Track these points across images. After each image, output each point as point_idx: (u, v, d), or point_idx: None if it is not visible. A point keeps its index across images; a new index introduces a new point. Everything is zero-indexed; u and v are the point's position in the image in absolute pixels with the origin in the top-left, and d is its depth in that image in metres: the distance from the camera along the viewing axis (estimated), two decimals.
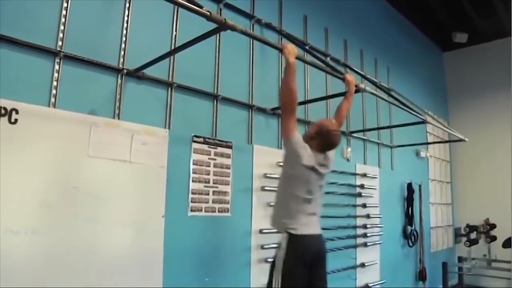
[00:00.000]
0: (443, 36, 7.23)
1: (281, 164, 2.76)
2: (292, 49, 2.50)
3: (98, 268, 2.48)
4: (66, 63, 2.43)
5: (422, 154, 6.40)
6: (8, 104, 2.18)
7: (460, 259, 6.76)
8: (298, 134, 2.53)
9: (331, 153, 2.73)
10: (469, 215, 7.00)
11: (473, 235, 6.55)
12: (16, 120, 2.20)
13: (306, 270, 2.44)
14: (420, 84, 6.83)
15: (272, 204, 2.82)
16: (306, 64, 3.76)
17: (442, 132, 6.67)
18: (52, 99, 2.36)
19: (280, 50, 2.51)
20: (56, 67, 2.39)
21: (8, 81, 2.20)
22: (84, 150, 2.47)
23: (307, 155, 2.50)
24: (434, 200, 6.85)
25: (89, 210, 2.46)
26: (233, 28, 2.01)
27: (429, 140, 6.68)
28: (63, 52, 2.41)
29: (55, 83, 2.37)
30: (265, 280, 3.36)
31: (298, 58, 2.59)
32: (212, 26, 2.07)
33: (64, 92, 2.41)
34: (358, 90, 3.15)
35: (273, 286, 2.38)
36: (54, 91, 2.37)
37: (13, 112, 2.19)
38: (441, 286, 6.35)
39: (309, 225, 2.50)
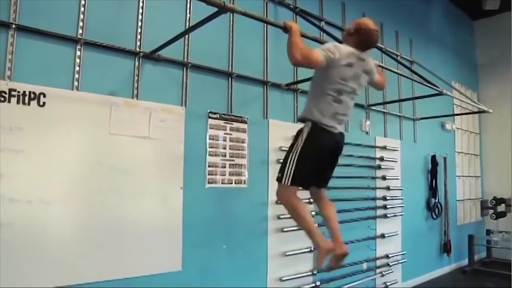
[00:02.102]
0: (473, 4, 6.98)
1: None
2: (293, 23, 2.53)
3: (121, 235, 2.75)
4: (86, 49, 2.67)
5: (448, 126, 6.33)
6: (37, 89, 2.44)
7: (489, 232, 6.70)
8: (320, 50, 2.43)
9: (372, 60, 2.72)
10: (499, 188, 6.88)
11: (500, 208, 6.46)
12: (44, 103, 2.46)
13: (320, 158, 2.54)
14: (448, 55, 6.68)
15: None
16: (321, 38, 3.82)
17: (471, 104, 6.55)
18: (75, 83, 2.60)
19: (283, 28, 2.53)
20: (78, 53, 2.62)
21: (35, 68, 2.46)
22: (106, 128, 2.71)
23: (344, 53, 2.46)
24: (461, 173, 6.78)
25: (112, 183, 2.72)
26: (232, 11, 2.14)
27: (457, 112, 6.58)
28: (83, 39, 2.64)
29: (77, 68, 2.61)
30: (281, 248, 3.62)
31: (303, 35, 2.65)
32: None
33: (86, 76, 2.65)
34: None
35: (287, 168, 2.46)
36: (76, 75, 2.61)
37: (41, 96, 2.46)
38: (467, 259, 6.35)
39: (334, 121, 2.52)
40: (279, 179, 2.52)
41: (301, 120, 2.61)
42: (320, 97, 2.52)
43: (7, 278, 2.27)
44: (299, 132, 2.55)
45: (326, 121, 2.49)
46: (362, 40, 2.58)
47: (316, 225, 2.57)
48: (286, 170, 2.47)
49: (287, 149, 2.60)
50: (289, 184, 2.45)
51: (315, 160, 2.52)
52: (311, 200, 2.93)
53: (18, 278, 2.33)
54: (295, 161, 2.45)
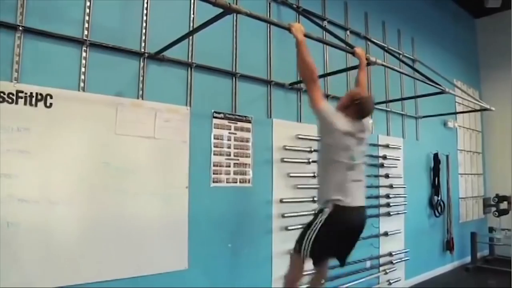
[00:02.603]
0: (475, 2, 6.99)
1: (319, 138, 2.83)
2: (299, 27, 2.61)
3: (128, 235, 2.77)
4: (92, 50, 2.69)
5: (450, 124, 6.34)
6: (44, 90, 2.47)
7: (491, 230, 6.71)
8: (326, 102, 2.61)
9: (367, 121, 2.81)
10: (501, 185, 6.87)
11: (503, 205, 6.48)
12: (51, 104, 2.49)
13: (340, 238, 2.60)
14: (449, 54, 6.69)
15: (316, 176, 2.95)
16: (324, 37, 3.85)
17: (473, 102, 6.56)
18: (82, 84, 2.63)
19: (288, 30, 2.61)
20: (84, 54, 2.65)
21: (42, 70, 2.49)
22: (112, 128, 2.73)
23: (342, 121, 2.57)
24: (463, 171, 6.80)
25: (119, 182, 2.74)
26: (237, 11, 2.16)
27: (459, 110, 6.59)
28: (89, 40, 2.66)
29: (83, 69, 2.63)
30: (286, 246, 3.62)
31: (307, 36, 2.71)
32: None
33: (91, 76, 2.67)
34: (369, 62, 3.23)
35: (304, 243, 2.52)
36: (82, 76, 2.63)
37: (48, 97, 2.48)
38: (469, 256, 6.37)
39: (354, 194, 2.56)
40: (296, 251, 2.60)
41: (321, 204, 2.65)
42: (333, 168, 2.58)
43: (16, 277, 2.31)
44: (320, 211, 2.58)
45: (346, 199, 2.52)
46: (359, 110, 2.65)
47: None
48: (303, 244, 2.54)
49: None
50: (306, 257, 2.56)
51: (334, 239, 2.57)
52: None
53: (27, 277, 2.35)
54: (312, 238, 2.51)
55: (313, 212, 2.72)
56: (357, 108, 2.63)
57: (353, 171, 2.58)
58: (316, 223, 2.53)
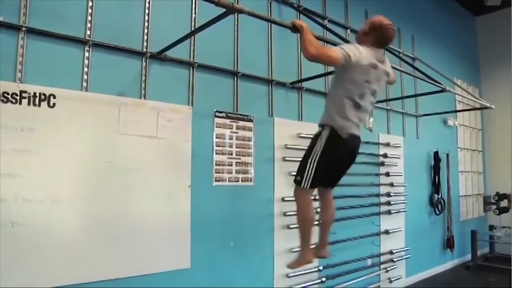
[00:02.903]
0: (475, 0, 6.99)
1: (334, 72, 2.70)
2: (301, 22, 2.55)
3: (131, 234, 2.79)
4: (95, 50, 2.70)
5: (450, 122, 6.35)
6: (47, 90, 2.49)
7: (492, 228, 6.73)
8: (338, 49, 2.43)
9: (388, 62, 2.70)
10: (502, 183, 6.90)
11: (503, 203, 6.50)
12: (54, 104, 2.50)
13: (337, 162, 2.59)
14: (449, 52, 6.70)
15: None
16: (324, 36, 3.86)
17: (473, 101, 6.58)
18: (84, 84, 2.64)
19: (290, 27, 2.55)
20: (86, 54, 2.66)
21: (45, 70, 2.51)
22: (115, 128, 2.75)
23: (363, 54, 2.43)
24: (463, 169, 6.82)
25: (121, 181, 2.76)
26: (240, 11, 2.17)
27: (459, 109, 6.60)
28: (91, 40, 2.67)
29: (86, 69, 2.65)
30: (287, 245, 3.65)
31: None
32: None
33: (94, 76, 2.68)
34: None
35: (306, 172, 2.48)
36: (85, 76, 2.65)
37: (51, 97, 2.50)
38: (470, 254, 6.39)
39: (351, 126, 2.51)
40: (298, 182, 2.53)
41: (322, 125, 2.58)
42: (341, 102, 2.49)
43: (21, 276, 2.33)
44: (317, 135, 2.54)
45: (346, 128, 2.49)
46: (380, 37, 2.53)
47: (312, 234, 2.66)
48: (305, 173, 2.49)
49: (303, 150, 2.61)
50: (308, 187, 2.49)
51: (333, 164, 2.56)
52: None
53: (32, 276, 2.37)
54: (314, 165, 2.48)
55: (310, 136, 2.64)
56: (378, 35, 2.53)
57: (360, 109, 2.51)
58: (316, 149, 2.49)
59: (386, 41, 2.59)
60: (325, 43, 3.74)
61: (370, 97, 2.55)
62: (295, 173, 2.57)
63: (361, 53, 2.43)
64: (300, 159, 2.60)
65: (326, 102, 2.67)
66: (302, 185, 2.49)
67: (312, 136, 2.61)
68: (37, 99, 2.45)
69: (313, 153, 2.50)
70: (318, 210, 2.86)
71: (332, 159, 2.51)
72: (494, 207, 6.52)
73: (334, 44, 3.25)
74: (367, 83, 2.49)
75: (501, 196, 6.49)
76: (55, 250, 2.47)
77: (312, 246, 2.76)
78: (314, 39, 2.38)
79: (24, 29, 2.41)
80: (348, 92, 2.48)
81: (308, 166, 2.49)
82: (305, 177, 2.49)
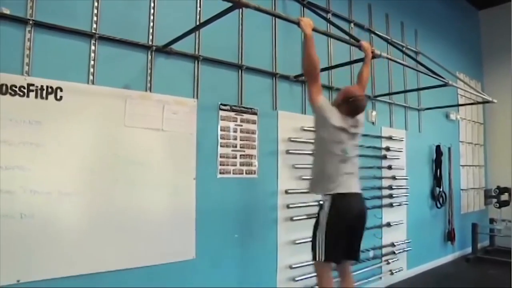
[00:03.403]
0: None
1: (314, 130, 2.92)
2: (308, 22, 2.65)
3: (137, 225, 2.82)
4: (101, 44, 2.72)
5: (452, 116, 6.37)
6: (54, 83, 2.50)
7: (492, 221, 6.77)
8: (323, 98, 2.73)
9: (361, 117, 2.89)
10: (503, 177, 6.93)
11: (504, 197, 6.53)
12: (61, 97, 2.53)
13: (348, 228, 2.68)
14: (452, 46, 6.69)
15: (307, 177, 3.04)
16: (328, 30, 3.87)
17: (475, 95, 6.58)
18: (91, 77, 2.66)
19: (297, 24, 2.64)
20: (93, 47, 2.68)
21: (52, 63, 2.52)
22: (121, 121, 2.77)
23: (336, 117, 2.69)
24: (465, 162, 6.84)
25: (128, 174, 2.79)
26: (246, 6, 2.19)
27: (461, 102, 6.61)
28: (98, 34, 2.68)
29: (92, 62, 2.67)
30: (291, 237, 3.70)
31: (315, 30, 2.75)
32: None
33: (100, 70, 2.70)
34: (374, 55, 3.26)
35: (317, 245, 2.63)
36: (92, 70, 2.67)
37: (58, 90, 2.52)
38: (470, 247, 6.44)
39: (348, 184, 2.69)
40: (313, 257, 2.68)
41: (314, 192, 2.85)
42: (326, 159, 2.70)
43: (30, 267, 2.36)
44: (321, 207, 2.70)
45: (341, 188, 2.63)
46: (351, 108, 2.76)
47: None
48: (317, 247, 2.62)
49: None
50: (323, 260, 2.60)
51: (342, 232, 2.65)
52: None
53: (39, 267, 2.41)
54: (323, 237, 2.60)
55: (317, 204, 2.80)
56: (350, 106, 2.76)
57: (346, 164, 2.71)
58: (321, 222, 2.63)
59: (357, 111, 2.81)
60: (329, 39, 3.79)
61: (351, 149, 2.77)
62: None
63: (334, 114, 2.70)
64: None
65: (312, 164, 2.87)
66: (318, 259, 2.63)
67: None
68: (44, 92, 2.47)
69: (320, 226, 2.65)
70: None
71: (339, 227, 2.63)
72: (494, 200, 6.56)
73: (339, 39, 3.29)
74: (344, 142, 2.71)
75: (501, 190, 6.52)
76: (62, 241, 2.50)
77: None
78: (314, 53, 2.64)
79: (31, 22, 2.42)
80: (330, 150, 2.69)
81: (317, 239, 2.64)
82: (317, 251, 2.63)
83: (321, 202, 2.73)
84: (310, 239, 2.74)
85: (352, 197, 2.70)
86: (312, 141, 2.98)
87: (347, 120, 2.74)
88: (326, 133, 2.70)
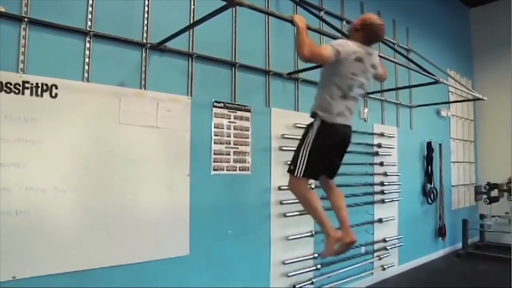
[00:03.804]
0: None
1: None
2: (300, 18, 2.64)
3: (131, 221, 2.85)
4: (96, 41, 2.73)
5: (443, 113, 6.45)
6: (49, 81, 2.52)
7: (482, 217, 6.87)
8: (328, 45, 2.53)
9: (376, 54, 2.81)
10: (493, 173, 7.03)
11: (494, 193, 6.62)
12: (56, 94, 2.54)
13: (332, 149, 2.68)
14: (443, 43, 6.77)
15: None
16: (321, 28, 3.90)
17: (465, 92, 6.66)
18: (86, 74, 2.68)
19: (290, 21, 2.63)
20: (87, 45, 2.69)
21: (47, 61, 2.54)
22: (116, 118, 2.80)
23: (351, 49, 2.55)
24: (456, 159, 6.93)
25: (123, 170, 2.81)
26: (240, 4, 2.21)
27: (452, 99, 6.69)
28: (92, 31, 2.70)
29: (87, 59, 2.68)
30: (284, 233, 3.74)
31: (309, 28, 2.75)
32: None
33: (95, 67, 2.72)
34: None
35: (299, 160, 2.58)
36: (86, 67, 2.68)
37: (53, 88, 2.53)
38: (461, 242, 6.53)
39: (341, 116, 2.62)
40: (291, 171, 2.62)
41: (312, 115, 2.69)
42: (329, 93, 2.61)
43: (25, 264, 2.38)
44: (309, 126, 2.65)
45: (335, 118, 2.59)
46: (369, 35, 2.66)
47: (326, 213, 2.69)
48: (298, 162, 2.58)
49: (298, 141, 2.71)
50: (301, 175, 2.57)
51: (325, 152, 2.64)
52: (318, 186, 3.04)
53: (35, 264, 2.43)
54: (306, 154, 2.57)
55: (304, 126, 2.75)
56: (368, 32, 2.65)
57: (348, 100, 2.63)
58: (308, 139, 2.59)
59: (375, 39, 2.74)
60: (321, 35, 3.79)
61: (357, 89, 2.67)
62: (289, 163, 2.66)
63: (349, 47, 2.56)
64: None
65: (316, 93, 2.78)
66: (295, 174, 2.59)
67: (305, 126, 2.70)
68: (39, 90, 2.48)
69: (305, 143, 2.60)
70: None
71: (323, 148, 2.60)
72: (485, 196, 6.65)
73: (330, 37, 3.32)
74: (354, 76, 2.60)
75: (491, 186, 6.61)
76: (57, 238, 2.53)
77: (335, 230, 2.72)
78: (308, 39, 2.47)
79: (26, 20, 2.43)
80: (336, 84, 2.59)
81: (300, 155, 2.59)
82: (298, 166, 2.58)
83: (311, 122, 2.66)
84: (293, 153, 2.67)
85: (342, 127, 2.65)
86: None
87: (363, 47, 2.63)
88: (337, 65, 2.54)
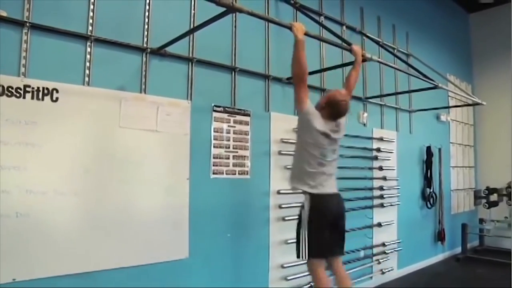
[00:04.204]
0: None
1: (296, 131, 3.04)
2: (300, 27, 2.72)
3: (131, 225, 2.87)
4: (96, 46, 2.76)
5: (443, 118, 6.47)
6: (50, 85, 2.55)
7: (481, 221, 6.86)
8: (309, 103, 2.81)
9: (342, 120, 2.98)
10: (493, 178, 7.03)
11: (493, 197, 6.63)
12: (57, 98, 2.57)
13: (329, 225, 2.78)
14: (443, 48, 6.79)
15: (289, 167, 3.12)
16: (320, 35, 3.94)
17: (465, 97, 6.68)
18: (86, 78, 2.71)
19: (289, 28, 2.70)
20: (88, 49, 2.72)
21: (48, 65, 2.57)
22: (116, 122, 2.82)
23: (319, 122, 2.78)
24: (455, 163, 6.94)
25: (123, 174, 2.83)
26: (240, 11, 2.24)
27: (451, 104, 6.71)
28: (93, 36, 2.73)
29: (88, 64, 2.71)
30: (282, 236, 3.75)
31: (307, 34, 2.81)
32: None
33: (96, 71, 2.75)
34: (365, 59, 3.33)
35: (301, 243, 2.72)
36: (87, 71, 2.71)
37: (54, 92, 2.56)
38: (460, 247, 6.54)
39: (325, 185, 2.79)
40: (297, 255, 2.78)
41: (293, 186, 2.90)
42: (306, 161, 2.79)
43: (24, 266, 2.40)
44: (301, 207, 2.82)
45: (319, 188, 2.76)
46: (333, 111, 2.87)
47: None
48: (301, 246, 2.74)
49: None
50: (306, 257, 2.71)
51: (323, 229, 2.75)
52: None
53: (34, 266, 2.44)
54: (306, 235, 2.71)
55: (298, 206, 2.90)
56: (332, 110, 2.86)
57: (324, 166, 2.81)
58: (303, 220, 2.74)
59: (338, 116, 2.92)
60: (321, 42, 3.83)
61: (331, 154, 2.87)
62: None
63: (317, 119, 2.79)
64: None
65: (292, 162, 2.97)
66: (301, 258, 2.74)
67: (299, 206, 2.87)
68: (40, 93, 2.50)
69: (302, 225, 2.76)
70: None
71: (320, 225, 2.74)
72: (484, 201, 6.65)
73: (330, 43, 3.36)
74: (323, 146, 2.80)
75: (491, 190, 6.62)
76: (57, 240, 2.54)
77: None
78: (304, 57, 2.72)
79: (28, 24, 2.46)
80: (310, 152, 2.79)
81: (301, 238, 2.75)
82: (301, 249, 2.74)
83: (301, 203, 2.83)
84: (294, 239, 2.85)
85: (331, 197, 2.83)
86: (294, 141, 3.05)
87: (329, 124, 2.84)
88: (308, 136, 2.79)
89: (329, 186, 2.82)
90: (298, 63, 2.74)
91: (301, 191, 2.84)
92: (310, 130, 2.77)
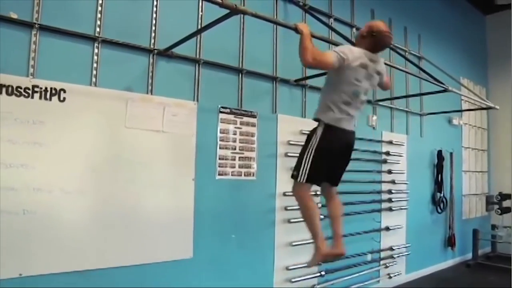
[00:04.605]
0: None
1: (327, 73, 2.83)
2: (304, 26, 2.66)
3: (136, 224, 2.90)
4: (104, 47, 2.81)
5: (455, 121, 6.38)
6: (57, 85, 2.59)
7: (494, 227, 6.74)
8: (332, 52, 2.56)
9: (382, 61, 2.82)
10: (506, 183, 6.90)
11: (506, 203, 6.51)
12: (64, 98, 2.61)
13: (335, 155, 2.69)
14: (457, 51, 6.69)
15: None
16: (330, 36, 3.93)
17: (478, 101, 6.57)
18: (93, 79, 2.75)
19: (294, 29, 2.66)
20: (96, 50, 2.77)
21: (56, 66, 2.61)
22: (122, 122, 2.86)
23: (356, 55, 2.57)
24: (468, 168, 6.84)
25: (128, 174, 2.87)
26: (243, 12, 2.25)
27: (464, 108, 6.61)
28: (101, 37, 2.78)
29: (95, 64, 2.76)
30: (288, 238, 3.75)
31: (313, 36, 2.77)
32: None
33: (103, 72, 2.79)
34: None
35: (302, 165, 2.60)
36: (94, 72, 2.75)
37: (62, 92, 2.61)
38: (471, 253, 6.44)
39: (344, 121, 2.64)
40: (294, 177, 2.65)
41: (316, 120, 2.73)
42: (333, 98, 2.63)
43: (31, 262, 2.45)
44: (313, 131, 2.67)
45: (338, 122, 2.62)
46: (375, 42, 2.67)
47: (321, 225, 2.73)
48: (301, 168, 2.61)
49: (301, 147, 2.74)
50: (304, 181, 2.60)
51: (329, 158, 2.65)
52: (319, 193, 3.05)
53: (40, 262, 2.50)
54: (310, 159, 2.59)
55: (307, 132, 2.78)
56: (374, 39, 2.66)
57: (351, 106, 2.65)
58: (311, 144, 2.61)
59: (381, 47, 2.74)
60: (329, 44, 3.81)
61: (361, 95, 2.68)
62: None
63: (353, 54, 2.57)
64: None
65: (320, 97, 2.81)
66: (299, 180, 2.61)
67: (308, 132, 2.73)
68: (48, 94, 2.55)
69: (309, 148, 2.62)
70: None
71: (327, 153, 2.62)
72: (496, 206, 6.54)
73: (338, 45, 3.33)
74: (358, 82, 2.62)
75: (504, 196, 6.50)
76: (63, 238, 2.59)
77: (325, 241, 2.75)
78: (311, 45, 2.50)
79: (37, 26, 2.52)
80: (340, 90, 2.61)
81: (304, 161, 2.61)
82: (301, 171, 2.60)
83: (314, 128, 2.69)
84: (297, 159, 2.70)
85: (344, 132, 2.66)
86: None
87: (368, 54, 2.65)
88: (343, 73, 2.58)
89: (347, 125, 2.66)
90: (307, 52, 2.46)
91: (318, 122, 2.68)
92: (344, 65, 2.53)
